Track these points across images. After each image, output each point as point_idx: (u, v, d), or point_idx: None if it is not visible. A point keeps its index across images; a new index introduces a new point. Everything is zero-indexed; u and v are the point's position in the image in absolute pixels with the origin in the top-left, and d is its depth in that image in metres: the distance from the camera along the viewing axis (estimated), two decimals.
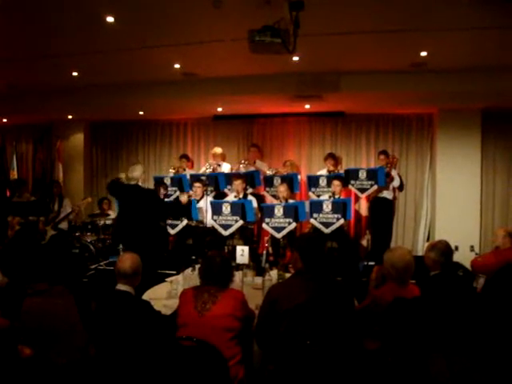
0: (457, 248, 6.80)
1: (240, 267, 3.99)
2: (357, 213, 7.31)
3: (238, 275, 3.79)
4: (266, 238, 6.08)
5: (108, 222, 7.37)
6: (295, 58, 5.18)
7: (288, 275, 3.96)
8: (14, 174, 8.65)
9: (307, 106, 7.16)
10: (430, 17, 4.08)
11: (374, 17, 4.14)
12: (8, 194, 8.36)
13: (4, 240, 6.85)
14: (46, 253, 6.29)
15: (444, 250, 3.16)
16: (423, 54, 5.00)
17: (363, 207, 7.33)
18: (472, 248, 6.78)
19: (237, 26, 3.97)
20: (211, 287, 2.57)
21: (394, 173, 6.65)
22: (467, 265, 4.98)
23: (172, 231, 5.87)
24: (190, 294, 2.56)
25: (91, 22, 4.10)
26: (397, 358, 2.34)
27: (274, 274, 3.77)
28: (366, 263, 5.79)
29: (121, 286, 2.75)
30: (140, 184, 4.87)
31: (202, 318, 2.43)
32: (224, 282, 2.62)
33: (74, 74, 5.91)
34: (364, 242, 6.95)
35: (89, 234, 7.21)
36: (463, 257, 5.77)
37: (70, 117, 8.13)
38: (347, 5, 3.90)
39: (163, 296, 3.54)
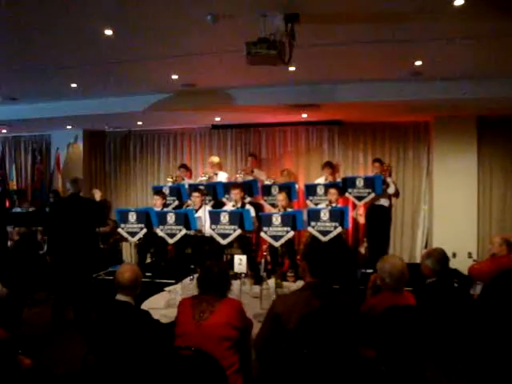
0: (454, 255, 6.84)
1: (238, 276, 4.02)
2: (354, 220, 7.33)
3: (236, 284, 3.81)
4: (265, 247, 6.11)
5: (107, 231, 7.40)
6: (291, 69, 5.23)
7: (285, 283, 4.01)
8: (13, 185, 8.69)
9: (304, 115, 7.22)
10: (424, 27, 4.13)
11: (368, 27, 4.18)
12: (7, 204, 8.40)
13: (4, 250, 6.86)
14: (45, 263, 6.33)
15: (440, 258, 3.20)
16: (418, 63, 5.06)
17: (363, 215, 7.35)
18: (470, 255, 6.82)
19: (233, 39, 4.02)
20: (209, 297, 2.58)
21: (389, 180, 6.71)
22: (465, 272, 4.99)
23: (170, 240, 5.89)
24: (188, 304, 2.58)
25: (89, 34, 4.15)
26: (391, 366, 2.36)
27: (271, 282, 3.80)
28: (363, 271, 5.81)
29: (120, 297, 2.78)
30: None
31: (199, 327, 2.44)
32: (222, 291, 2.64)
33: (73, 85, 5.95)
34: (362, 250, 6.97)
35: None
36: (461, 264, 5.78)
37: (68, 127, 8.17)
38: (342, 16, 3.93)
39: (161, 305, 3.56)
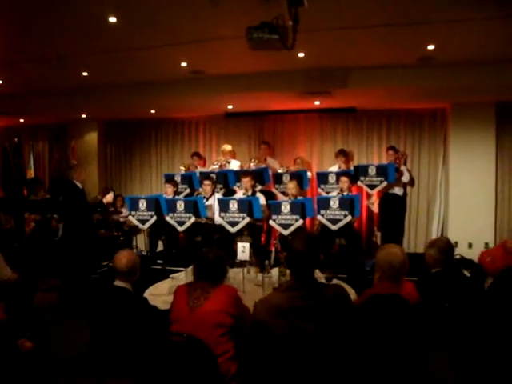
0: (470, 245, 6.72)
1: (243, 264, 4.00)
2: (368, 209, 7.23)
3: (240, 272, 3.81)
4: (276, 235, 6.08)
5: (121, 219, 7.49)
6: (301, 55, 5.14)
7: (289, 271, 3.96)
8: (31, 173, 8.85)
9: (317, 103, 7.11)
10: (436, 9, 3.98)
11: (379, 10, 4.06)
12: (25, 192, 8.58)
13: (21, 237, 7.04)
14: (59, 250, 6.45)
15: (444, 248, 3.12)
16: (430, 47, 4.89)
17: (376, 204, 7.23)
18: (486, 245, 6.66)
19: (237, 24, 3.94)
20: (204, 283, 2.57)
21: (403, 168, 6.57)
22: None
23: (180, 228, 5.91)
24: (183, 290, 2.58)
25: (94, 22, 4.14)
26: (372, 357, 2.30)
27: (274, 271, 3.77)
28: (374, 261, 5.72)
29: (118, 283, 2.81)
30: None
31: (193, 313, 2.44)
32: (217, 278, 2.62)
33: (84, 74, 5.98)
34: (375, 239, 6.88)
35: (102, 230, 7.34)
36: (477, 254, 5.64)
37: (83, 116, 8.25)
38: None
39: (165, 292, 3.58)
